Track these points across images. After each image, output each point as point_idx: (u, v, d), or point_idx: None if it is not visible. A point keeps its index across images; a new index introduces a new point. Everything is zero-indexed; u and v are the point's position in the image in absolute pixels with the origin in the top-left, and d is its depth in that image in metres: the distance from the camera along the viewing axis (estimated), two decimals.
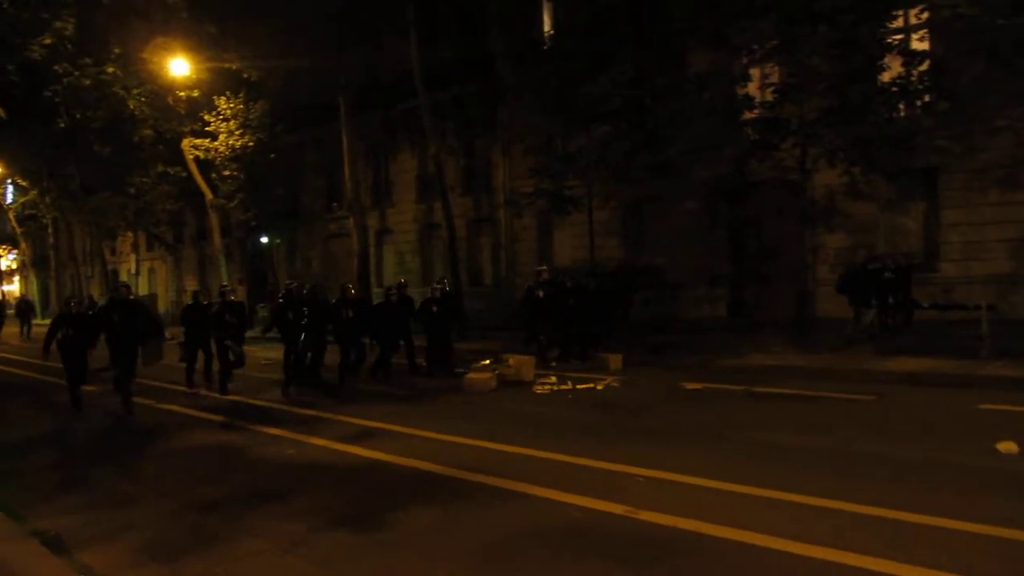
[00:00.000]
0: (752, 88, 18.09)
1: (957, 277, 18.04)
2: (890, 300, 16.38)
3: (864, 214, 19.59)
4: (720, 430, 9.19)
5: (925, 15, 16.56)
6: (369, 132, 29.10)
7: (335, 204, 31.72)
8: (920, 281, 17.84)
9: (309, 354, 14.49)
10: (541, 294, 16.41)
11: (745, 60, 17.49)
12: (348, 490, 7.48)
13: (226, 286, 15.65)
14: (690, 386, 12.58)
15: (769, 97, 17.69)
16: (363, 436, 9.89)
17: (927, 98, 16.78)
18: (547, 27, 24.26)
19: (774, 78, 18.15)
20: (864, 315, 16.64)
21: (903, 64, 16.39)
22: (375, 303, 16.71)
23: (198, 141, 26.73)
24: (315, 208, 34.05)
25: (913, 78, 16.25)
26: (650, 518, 6.10)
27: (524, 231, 26.98)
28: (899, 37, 16.88)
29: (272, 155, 26.91)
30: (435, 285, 16.45)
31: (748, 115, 18.64)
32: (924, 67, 16.29)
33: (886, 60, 16.34)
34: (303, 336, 14.10)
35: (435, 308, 15.65)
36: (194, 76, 24.24)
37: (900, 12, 17.02)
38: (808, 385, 12.03)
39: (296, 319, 13.96)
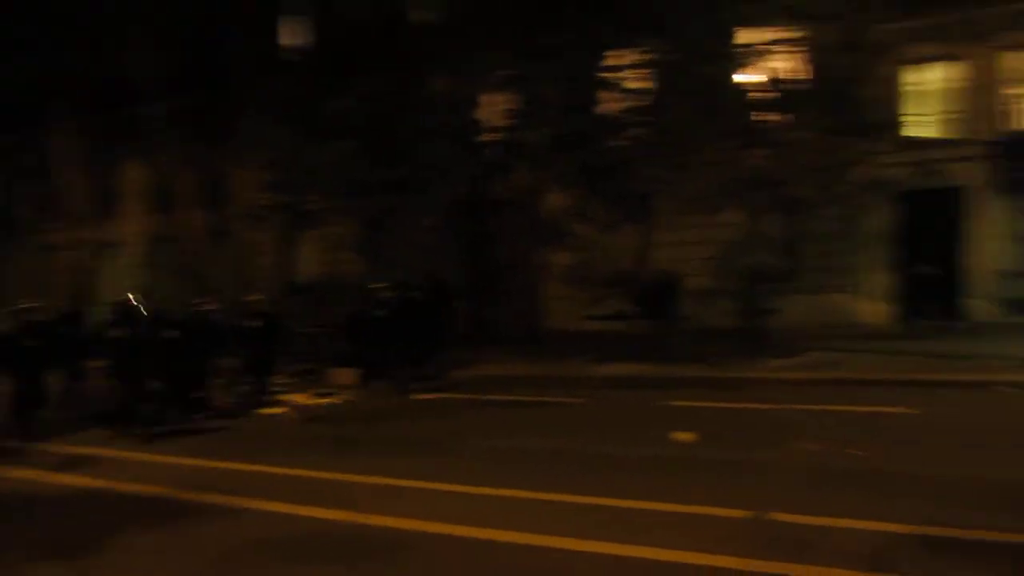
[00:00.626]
0: (491, 113, 19.14)
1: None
2: None
3: (587, 234, 21.19)
4: (447, 437, 9.67)
5: (644, 57, 18.31)
6: (92, 138, 26.99)
7: (47, 215, 29.01)
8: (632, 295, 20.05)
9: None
10: (381, 314, 14.66)
11: (478, 87, 18.46)
12: (62, 520, 7.06)
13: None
14: (421, 397, 13.03)
15: (498, 122, 18.72)
16: (76, 464, 9.29)
17: (642, 130, 18.66)
18: (285, 40, 23.93)
19: (511, 104, 19.30)
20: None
21: (621, 99, 18.11)
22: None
23: None
24: (31, 218, 30.90)
25: (630, 112, 17.97)
26: (377, 522, 6.37)
27: (264, 245, 26.33)
28: (619, 74, 18.47)
29: None
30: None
31: (487, 137, 19.70)
32: (636, 103, 18.02)
33: (605, 94, 17.93)
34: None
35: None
36: None
37: (621, 52, 18.68)
38: (533, 392, 12.88)
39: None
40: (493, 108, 19.66)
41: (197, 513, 6.89)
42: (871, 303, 18.65)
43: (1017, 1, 16.99)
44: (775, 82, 17.61)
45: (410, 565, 5.50)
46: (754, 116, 17.00)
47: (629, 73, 18.31)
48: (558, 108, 17.24)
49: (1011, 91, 17.48)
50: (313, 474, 8.06)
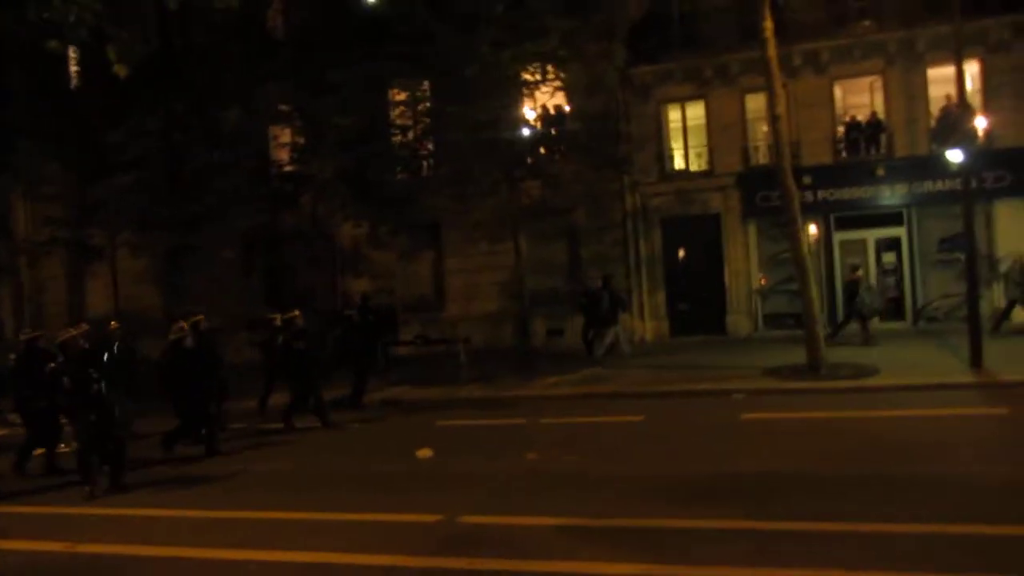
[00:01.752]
0: (277, 146, 19.35)
1: (459, 315, 20.80)
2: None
3: (385, 262, 21.65)
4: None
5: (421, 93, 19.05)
6: None
7: None
8: (431, 320, 20.72)
9: None
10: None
11: (263, 120, 18.63)
12: None
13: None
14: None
15: (286, 155, 18.94)
16: None
17: (423, 163, 19.44)
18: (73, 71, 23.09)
19: (295, 138, 19.59)
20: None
21: (401, 134, 18.82)
22: None
23: None
24: None
25: (409, 146, 18.68)
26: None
27: (52, 281, 25.09)
28: (398, 111, 19.10)
29: None
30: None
31: (277, 170, 19.88)
32: (415, 137, 18.75)
33: (388, 128, 18.53)
34: None
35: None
36: None
37: (402, 88, 19.36)
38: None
39: None
40: (279, 141, 19.95)
41: None
42: (649, 321, 20.12)
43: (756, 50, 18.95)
44: (544, 120, 18.89)
45: None
46: (526, 151, 18.01)
47: (407, 109, 19.03)
48: (339, 142, 17.63)
49: (756, 128, 19.47)
50: None
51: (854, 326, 16.71)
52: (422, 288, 21.96)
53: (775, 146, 14.02)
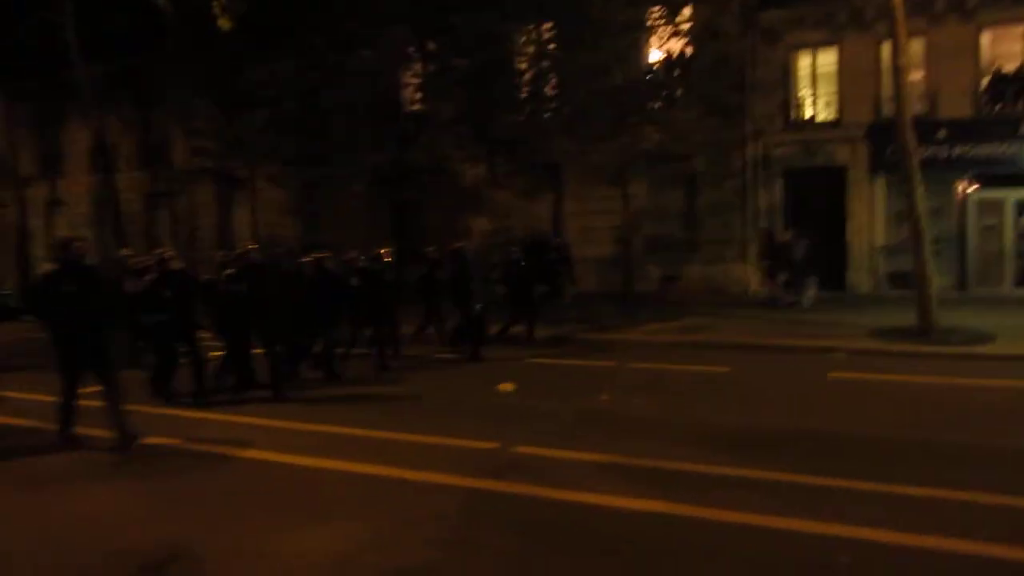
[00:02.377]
0: (405, 86, 20.05)
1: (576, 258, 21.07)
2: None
3: (505, 201, 22.18)
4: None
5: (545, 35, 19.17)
6: (35, 98, 27.59)
7: None
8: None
9: None
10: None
11: (393, 62, 19.31)
12: None
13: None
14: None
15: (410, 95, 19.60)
16: None
17: (546, 106, 19.62)
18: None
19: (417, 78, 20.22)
20: None
21: (533, 74, 19.01)
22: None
23: None
24: None
25: (533, 88, 18.90)
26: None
27: (203, 207, 27.15)
28: (525, 52, 19.35)
29: None
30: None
31: (402, 110, 20.64)
32: (531, 78, 18.96)
33: (512, 69, 18.81)
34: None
35: None
36: None
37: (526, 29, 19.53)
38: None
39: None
40: (406, 82, 20.63)
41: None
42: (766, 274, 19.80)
43: None
44: (667, 64, 18.64)
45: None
46: (646, 95, 17.93)
47: (528, 51, 19.19)
48: (458, 82, 18.10)
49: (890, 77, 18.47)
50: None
51: None
52: (542, 229, 22.34)
53: (896, 99, 13.41)
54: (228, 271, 10.35)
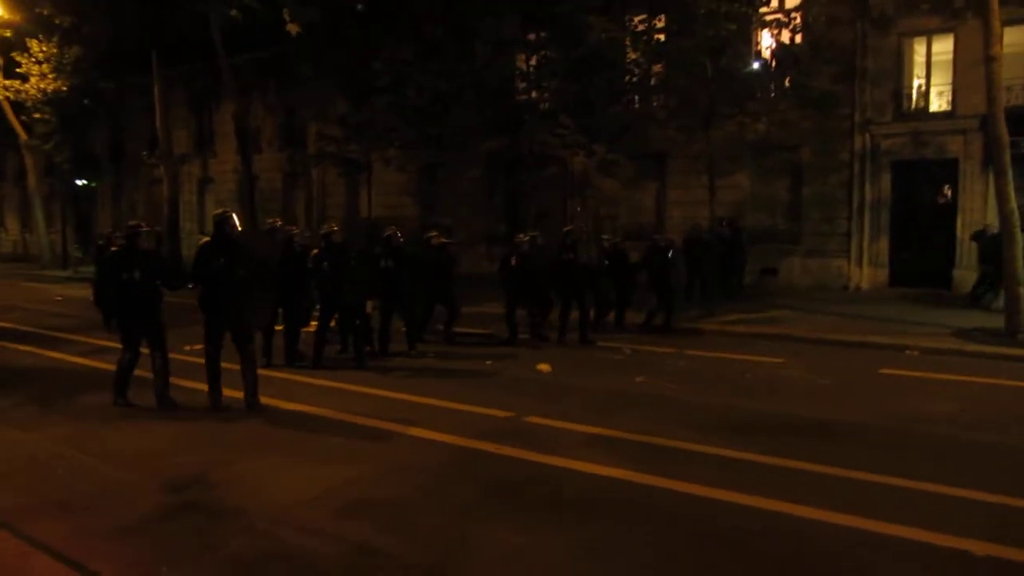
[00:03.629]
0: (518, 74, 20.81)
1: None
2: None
3: (611, 189, 22.62)
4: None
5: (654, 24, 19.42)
6: (193, 82, 30.27)
7: (145, 153, 32.56)
8: None
9: None
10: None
11: (507, 52, 20.08)
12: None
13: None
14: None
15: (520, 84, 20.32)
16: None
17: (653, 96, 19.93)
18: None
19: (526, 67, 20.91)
20: None
21: (637, 64, 19.31)
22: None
23: (8, 82, 27.22)
24: (139, 154, 34.81)
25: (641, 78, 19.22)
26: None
27: (334, 187, 29.01)
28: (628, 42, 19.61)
29: (86, 100, 27.66)
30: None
31: (510, 99, 21.42)
32: (658, 68, 19.22)
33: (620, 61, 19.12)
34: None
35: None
36: (5, 16, 24.82)
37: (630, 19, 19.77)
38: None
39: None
40: (518, 72, 21.36)
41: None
42: (867, 268, 19.39)
43: None
44: (776, 52, 18.43)
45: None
46: (753, 85, 17.93)
47: (638, 42, 19.43)
48: (564, 72, 18.66)
49: (1011, 65, 17.59)
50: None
51: None
52: (645, 217, 22.66)
53: (988, 90, 12.97)
54: (314, 250, 11.43)
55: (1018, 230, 13.06)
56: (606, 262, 15.32)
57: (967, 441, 7.19)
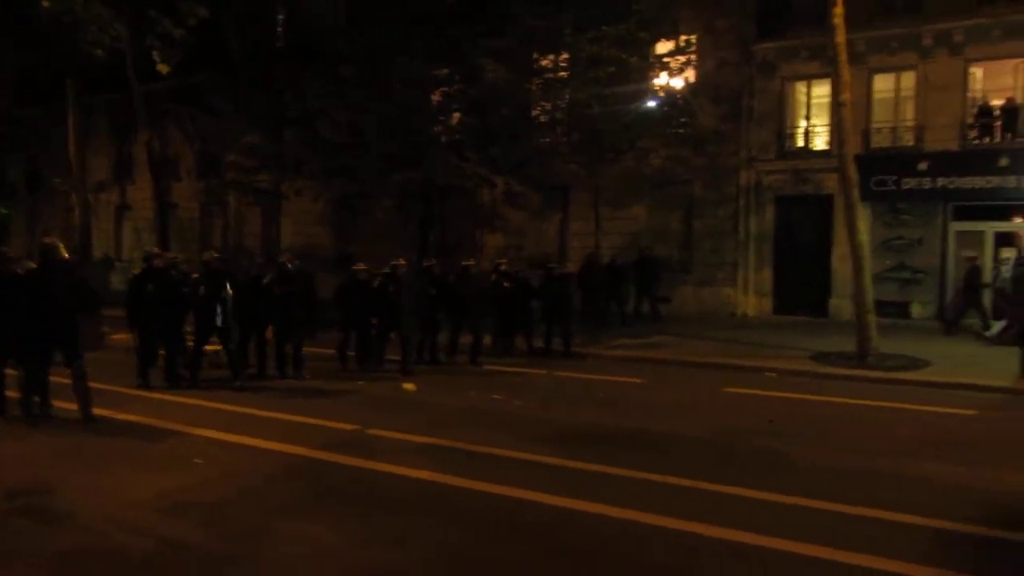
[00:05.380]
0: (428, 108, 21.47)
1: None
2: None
3: (517, 220, 23.40)
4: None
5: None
6: (114, 109, 30.32)
7: (58, 180, 32.37)
8: None
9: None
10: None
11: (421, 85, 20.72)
12: None
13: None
14: None
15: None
16: None
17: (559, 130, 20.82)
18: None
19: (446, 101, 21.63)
20: None
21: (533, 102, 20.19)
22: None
23: None
24: (55, 181, 34.54)
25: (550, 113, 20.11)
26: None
27: (252, 216, 29.25)
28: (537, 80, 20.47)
29: (1, 128, 27.57)
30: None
31: (436, 129, 22.12)
32: (549, 106, 20.12)
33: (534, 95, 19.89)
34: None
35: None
36: None
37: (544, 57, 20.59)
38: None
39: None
40: (430, 104, 22.11)
41: None
42: (753, 297, 20.45)
43: (888, 28, 18.46)
44: (670, 93, 19.48)
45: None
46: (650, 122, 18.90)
47: (546, 78, 20.32)
48: (465, 108, 19.44)
49: (880, 109, 19.01)
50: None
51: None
52: (548, 247, 23.47)
53: (837, 133, 14.08)
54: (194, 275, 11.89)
55: (867, 261, 14.15)
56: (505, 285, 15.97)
57: (759, 448, 7.95)
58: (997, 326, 15.17)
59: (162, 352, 11.53)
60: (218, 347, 11.96)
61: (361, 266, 13.71)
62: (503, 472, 6.91)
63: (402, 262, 13.66)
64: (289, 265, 12.75)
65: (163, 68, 15.17)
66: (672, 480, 6.67)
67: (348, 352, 13.12)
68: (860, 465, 7.33)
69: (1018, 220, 17.78)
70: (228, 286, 11.60)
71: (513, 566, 5.05)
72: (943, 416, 9.82)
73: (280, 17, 27.23)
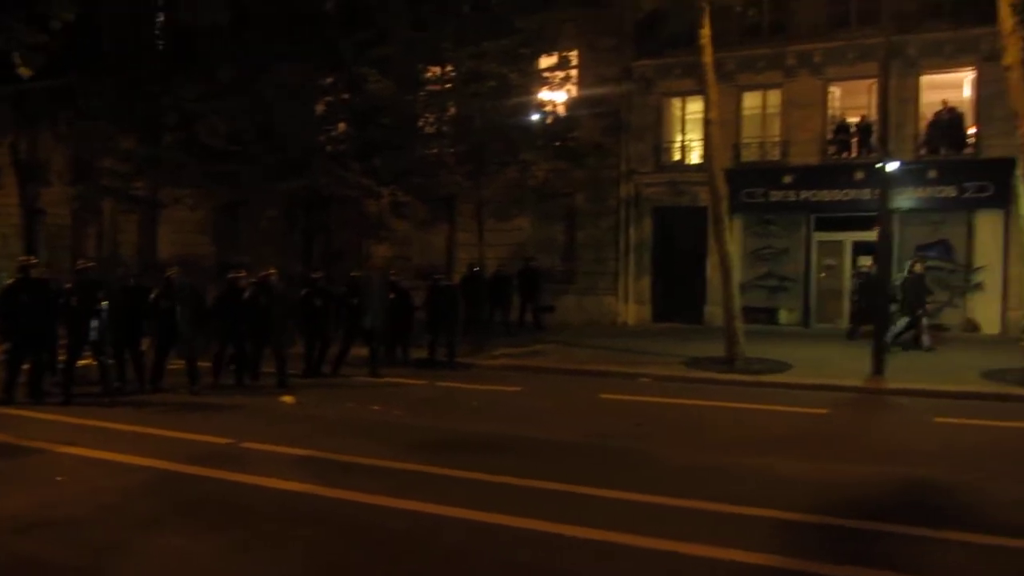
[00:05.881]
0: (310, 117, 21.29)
1: None
2: None
3: (404, 231, 23.44)
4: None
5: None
6: None
7: None
8: None
9: None
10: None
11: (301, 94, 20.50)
12: None
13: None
14: None
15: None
16: None
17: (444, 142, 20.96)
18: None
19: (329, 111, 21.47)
20: None
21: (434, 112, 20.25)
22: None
23: None
24: None
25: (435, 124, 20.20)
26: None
27: (129, 224, 28.22)
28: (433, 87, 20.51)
29: None
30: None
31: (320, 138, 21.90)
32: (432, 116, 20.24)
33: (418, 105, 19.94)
34: None
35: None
36: None
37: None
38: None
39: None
40: (313, 113, 21.93)
41: None
42: (633, 305, 21.13)
43: (755, 48, 19.48)
44: (553, 108, 19.96)
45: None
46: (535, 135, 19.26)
47: (429, 90, 20.45)
48: (351, 118, 19.39)
49: (749, 125, 20.05)
50: None
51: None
52: (435, 257, 23.60)
53: (706, 148, 14.80)
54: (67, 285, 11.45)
55: (735, 270, 14.90)
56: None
57: (625, 450, 8.31)
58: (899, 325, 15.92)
59: (26, 367, 11.08)
60: (91, 361, 11.54)
61: (241, 273, 13.43)
62: (375, 481, 6.99)
63: (273, 271, 13.50)
64: (174, 279, 12.41)
65: (24, 72, 14.55)
66: (538, 484, 6.90)
67: (229, 365, 12.89)
68: (716, 462, 7.78)
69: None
70: (102, 297, 11.22)
71: (375, 572, 5.16)
72: (797, 416, 10.47)
73: (159, 19, 26.46)
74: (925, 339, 15.60)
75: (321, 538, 5.66)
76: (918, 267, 15.91)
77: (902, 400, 11.65)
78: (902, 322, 15.70)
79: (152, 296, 12.09)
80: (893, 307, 15.51)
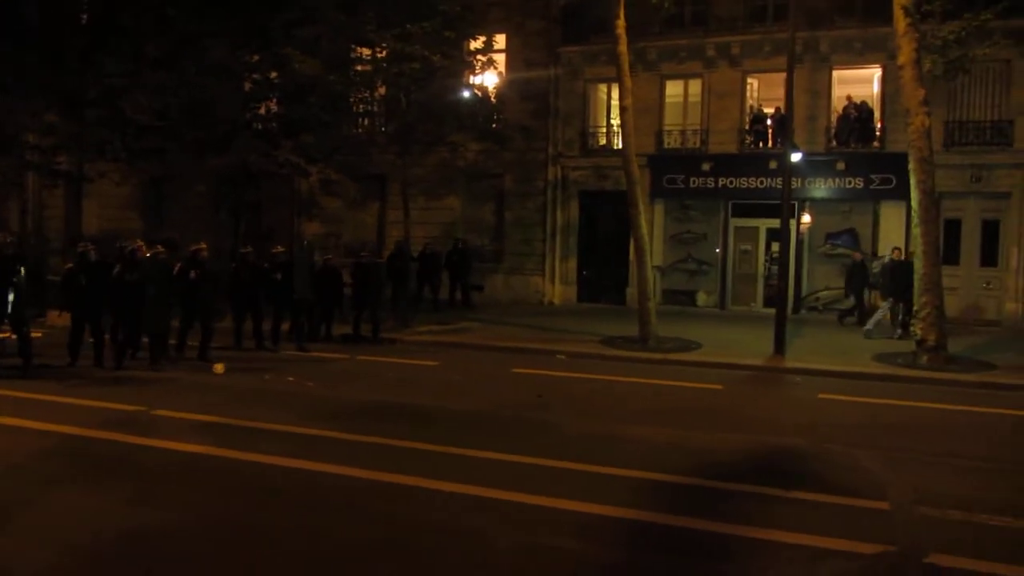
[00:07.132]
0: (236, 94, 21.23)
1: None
2: None
3: (335, 208, 23.61)
4: None
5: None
6: None
7: None
8: None
9: None
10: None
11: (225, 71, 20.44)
12: None
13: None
14: None
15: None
16: None
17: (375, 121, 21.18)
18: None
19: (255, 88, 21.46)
20: None
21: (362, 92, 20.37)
22: None
23: None
24: None
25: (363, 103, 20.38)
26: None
27: (54, 199, 27.74)
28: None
29: None
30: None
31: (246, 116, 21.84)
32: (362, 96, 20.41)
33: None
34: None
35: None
36: None
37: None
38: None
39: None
40: (240, 90, 21.88)
41: None
42: (559, 286, 21.70)
43: (677, 38, 20.09)
44: (482, 89, 20.25)
45: None
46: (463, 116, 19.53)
47: (359, 69, 20.58)
48: (279, 96, 19.47)
49: (671, 113, 20.71)
50: None
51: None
52: (366, 235, 23.81)
53: (622, 136, 15.33)
54: None
55: (648, 253, 15.50)
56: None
57: (525, 419, 8.82)
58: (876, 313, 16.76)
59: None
60: (8, 335, 11.58)
61: (159, 248, 13.51)
62: (275, 445, 7.35)
63: (203, 246, 13.63)
64: (91, 255, 12.40)
65: None
66: (432, 447, 7.35)
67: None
68: (607, 431, 8.33)
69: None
70: (22, 271, 11.27)
71: (268, 526, 5.54)
72: (694, 391, 11.12)
73: None
74: (877, 323, 16.25)
75: (213, 493, 6.02)
76: (896, 255, 16.51)
77: (796, 378, 12.42)
78: (885, 305, 16.61)
79: (115, 271, 12.12)
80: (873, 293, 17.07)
